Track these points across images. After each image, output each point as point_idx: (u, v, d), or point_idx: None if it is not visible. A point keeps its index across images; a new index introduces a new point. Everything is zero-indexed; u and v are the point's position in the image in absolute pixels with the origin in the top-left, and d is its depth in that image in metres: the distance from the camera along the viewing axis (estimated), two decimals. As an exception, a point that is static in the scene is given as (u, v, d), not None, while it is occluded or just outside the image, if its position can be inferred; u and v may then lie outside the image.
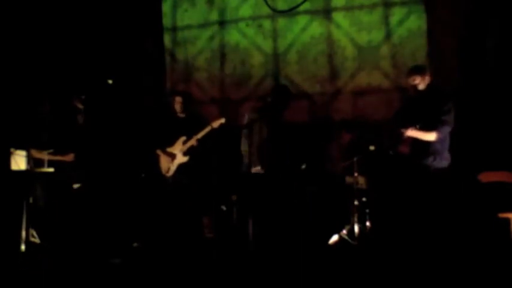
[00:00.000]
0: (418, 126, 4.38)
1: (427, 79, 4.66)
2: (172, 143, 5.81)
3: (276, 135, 5.28)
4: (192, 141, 5.64)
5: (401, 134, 4.39)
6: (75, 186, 5.66)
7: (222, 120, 5.60)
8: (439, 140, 4.47)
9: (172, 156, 5.77)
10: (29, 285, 4.25)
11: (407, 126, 4.37)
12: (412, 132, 4.40)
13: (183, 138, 5.72)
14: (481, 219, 5.04)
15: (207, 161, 6.01)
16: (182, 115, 5.90)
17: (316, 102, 6.69)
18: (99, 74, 6.69)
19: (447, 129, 4.47)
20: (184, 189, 5.76)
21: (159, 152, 5.86)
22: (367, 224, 5.46)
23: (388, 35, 6.39)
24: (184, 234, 5.59)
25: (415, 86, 4.63)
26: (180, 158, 5.74)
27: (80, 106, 5.85)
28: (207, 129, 5.60)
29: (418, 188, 4.45)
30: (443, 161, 4.51)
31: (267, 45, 6.96)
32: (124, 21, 7.24)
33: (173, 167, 5.77)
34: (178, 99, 5.91)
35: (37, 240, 5.28)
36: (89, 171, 5.82)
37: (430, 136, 4.42)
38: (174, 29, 7.39)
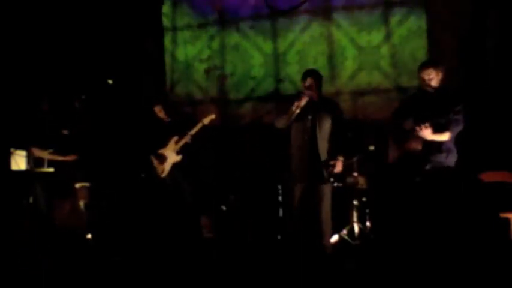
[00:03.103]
0: (428, 123, 4.24)
1: (441, 76, 4.42)
2: (164, 145, 5.83)
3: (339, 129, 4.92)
4: (186, 139, 5.66)
5: (415, 131, 4.29)
6: (78, 185, 5.66)
7: (213, 116, 5.65)
8: (451, 139, 4.41)
9: (165, 157, 5.79)
10: (29, 285, 4.25)
11: (420, 123, 4.27)
12: (430, 136, 4.27)
13: (175, 138, 5.75)
14: (482, 218, 5.05)
15: (201, 159, 6.03)
16: (168, 119, 5.92)
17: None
18: (99, 74, 6.69)
19: (459, 129, 4.37)
20: (181, 188, 5.77)
21: (152, 157, 5.88)
22: (367, 224, 5.46)
23: (388, 35, 6.39)
24: (183, 235, 5.59)
25: (428, 82, 4.39)
26: (174, 158, 5.77)
27: (80, 106, 5.85)
28: (199, 126, 5.63)
29: (419, 187, 4.44)
30: (453, 157, 4.44)
31: (267, 45, 6.97)
32: (124, 21, 7.24)
33: (167, 167, 5.79)
34: (158, 108, 5.91)
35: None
36: (89, 171, 5.82)
37: (444, 137, 4.33)
38: (174, 29, 7.39)
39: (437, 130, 4.28)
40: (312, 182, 4.81)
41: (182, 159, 5.74)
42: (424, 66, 4.48)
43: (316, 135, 4.80)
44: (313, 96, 4.81)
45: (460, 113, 4.35)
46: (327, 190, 4.84)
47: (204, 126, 5.64)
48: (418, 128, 4.23)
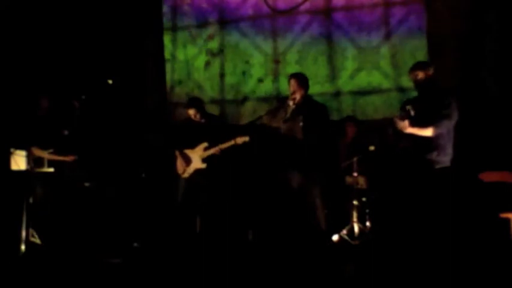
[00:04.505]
0: (408, 107, 4.34)
1: (431, 75, 4.50)
2: (193, 146, 5.75)
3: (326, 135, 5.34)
4: (215, 150, 5.59)
5: (395, 123, 4.30)
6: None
7: (246, 139, 5.51)
8: (441, 135, 4.35)
9: (190, 159, 5.73)
10: (29, 285, 4.25)
11: (402, 116, 4.30)
12: (408, 129, 4.28)
13: (205, 144, 5.66)
14: (482, 218, 5.05)
15: (224, 173, 5.97)
16: (202, 120, 5.84)
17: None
18: (99, 74, 6.69)
19: (447, 124, 4.34)
20: (198, 192, 5.72)
21: (177, 153, 5.82)
22: (367, 224, 5.47)
23: (388, 35, 6.39)
24: (191, 235, 5.58)
25: (418, 81, 4.50)
26: (198, 163, 5.67)
27: (80, 106, 5.84)
28: (231, 143, 5.53)
29: (419, 187, 4.43)
30: (446, 156, 4.41)
31: (267, 45, 6.96)
32: (124, 21, 7.24)
33: (190, 170, 5.71)
34: (192, 112, 5.76)
35: (37, 241, 5.27)
36: (88, 171, 5.81)
37: (427, 132, 4.31)
38: (174, 29, 7.39)
39: (417, 124, 4.29)
40: (304, 170, 5.20)
41: (205, 168, 5.68)
42: (411, 69, 4.61)
43: (307, 132, 5.13)
44: (297, 96, 5.22)
45: (449, 108, 4.33)
46: (318, 178, 5.23)
47: (236, 145, 5.55)
48: (396, 120, 4.30)
